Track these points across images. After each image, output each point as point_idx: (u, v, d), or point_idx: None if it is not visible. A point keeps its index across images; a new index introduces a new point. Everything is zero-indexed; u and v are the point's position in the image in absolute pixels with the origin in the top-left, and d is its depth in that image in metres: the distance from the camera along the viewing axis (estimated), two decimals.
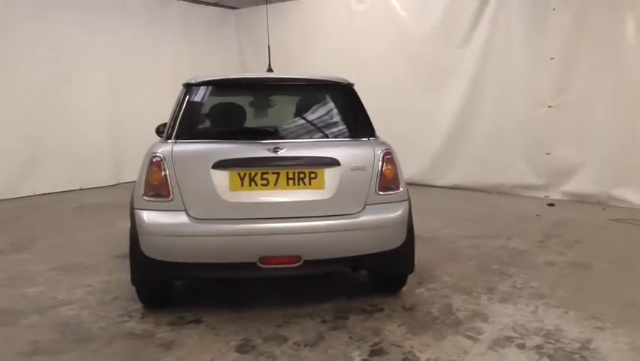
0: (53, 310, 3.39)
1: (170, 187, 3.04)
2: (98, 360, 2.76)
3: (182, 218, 3.02)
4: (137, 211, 3.12)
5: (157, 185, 3.07)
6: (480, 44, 7.27)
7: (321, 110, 3.50)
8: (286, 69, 7.52)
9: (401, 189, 3.29)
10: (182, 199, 3.03)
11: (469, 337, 2.95)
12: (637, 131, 6.17)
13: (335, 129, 3.40)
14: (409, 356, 2.73)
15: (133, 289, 3.46)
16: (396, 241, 3.23)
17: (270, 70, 3.60)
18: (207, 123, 3.31)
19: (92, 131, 8.22)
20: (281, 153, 3.08)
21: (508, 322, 3.12)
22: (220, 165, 3.03)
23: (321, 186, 3.11)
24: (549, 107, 6.79)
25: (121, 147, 8.53)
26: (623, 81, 6.19)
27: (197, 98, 3.35)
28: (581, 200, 6.57)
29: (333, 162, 3.12)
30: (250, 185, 3.06)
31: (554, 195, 6.82)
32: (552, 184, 6.86)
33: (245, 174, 3.05)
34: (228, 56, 10.09)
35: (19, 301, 3.53)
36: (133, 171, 8.25)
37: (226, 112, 3.46)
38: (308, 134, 3.32)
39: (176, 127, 3.26)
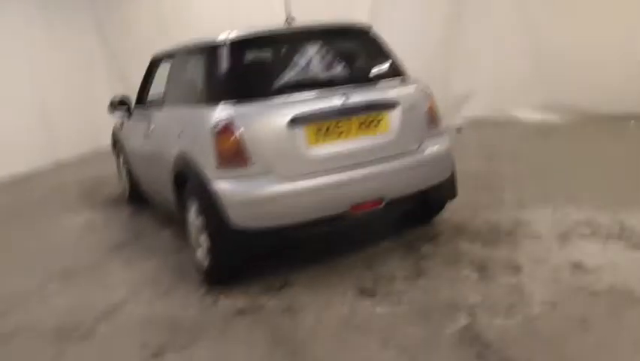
0: (118, 312, 2.99)
1: (248, 152, 2.86)
2: (236, 343, 2.58)
3: (269, 181, 2.88)
4: (214, 184, 2.88)
5: (233, 152, 2.86)
6: None
7: (358, 54, 3.50)
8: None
9: (441, 122, 3.52)
10: (263, 162, 2.88)
11: (535, 238, 3.37)
12: (522, 56, 7.15)
13: (377, 71, 3.43)
14: (511, 265, 3.05)
15: (175, 273, 3.40)
16: (450, 169, 3.48)
17: (290, 19, 3.43)
18: (257, 80, 3.10)
19: None
20: (350, 100, 3.07)
21: (548, 222, 3.60)
22: (296, 121, 2.92)
23: (386, 129, 3.18)
24: (441, 42, 7.49)
25: None
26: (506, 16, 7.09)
27: (239, 55, 3.11)
28: (478, 123, 7.46)
29: (394, 104, 3.21)
30: (326, 137, 3.01)
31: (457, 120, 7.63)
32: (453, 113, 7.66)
33: (320, 127, 3.00)
34: (86, 28, 9.09)
35: (62, 316, 3.04)
36: (4, 165, 7.38)
37: (272, 67, 3.26)
38: (359, 79, 3.31)
39: (224, 88, 3.02)
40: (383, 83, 3.37)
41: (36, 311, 3.15)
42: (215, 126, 2.87)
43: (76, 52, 8.86)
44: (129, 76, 9.14)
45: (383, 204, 3.11)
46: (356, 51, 3.52)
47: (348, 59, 3.42)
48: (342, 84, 3.19)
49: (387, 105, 3.19)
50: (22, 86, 7.83)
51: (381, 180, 3.11)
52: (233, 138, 2.84)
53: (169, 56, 4.00)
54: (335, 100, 3.04)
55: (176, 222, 4.28)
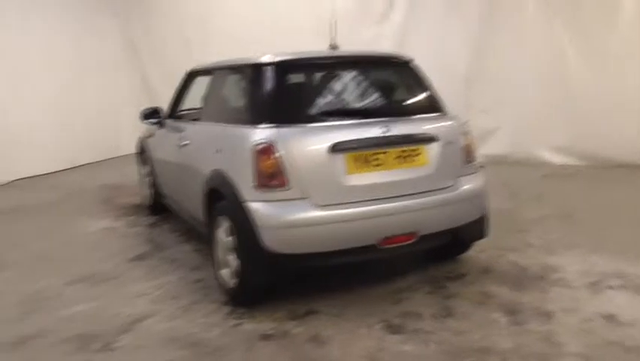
0: (138, 326, 2.95)
1: (287, 175, 2.84)
2: None
3: (304, 206, 2.86)
4: (250, 205, 2.86)
5: (271, 174, 2.84)
6: (399, 21, 7.70)
7: (400, 87, 3.51)
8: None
9: (477, 159, 3.50)
10: (300, 187, 2.86)
11: (565, 286, 3.31)
12: (545, 96, 7.14)
13: (416, 105, 3.44)
14: (541, 312, 2.99)
15: (197, 290, 3.37)
16: (484, 207, 3.44)
17: (333, 47, 3.46)
18: (299, 104, 3.11)
19: None
20: (391, 131, 3.05)
21: (577, 270, 3.54)
22: (336, 148, 2.91)
23: (424, 162, 3.16)
24: (466, 78, 7.50)
25: (9, 140, 7.34)
26: (532, 49, 7.10)
27: (283, 78, 3.12)
28: (499, 161, 7.42)
29: (433, 138, 3.19)
30: (365, 166, 2.99)
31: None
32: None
33: (359, 156, 2.98)
34: (113, 36, 9.23)
35: (83, 325, 3.00)
36: (26, 166, 7.43)
37: (314, 92, 3.27)
38: (400, 111, 3.31)
39: (266, 110, 3.01)
40: (422, 116, 3.36)
41: (57, 316, 3.11)
42: (256, 146, 2.86)
43: (101, 58, 8.98)
44: (152, 84, 9.29)
45: (415, 239, 3.08)
46: (397, 82, 3.53)
47: (388, 89, 3.43)
48: (383, 115, 3.19)
49: (426, 139, 3.18)
50: (47, 89, 7.91)
51: (416, 214, 3.07)
52: (272, 159, 2.83)
53: (208, 71, 4.02)
54: (375, 130, 3.03)
55: (196, 236, 4.28)
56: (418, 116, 3.35)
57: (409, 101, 3.47)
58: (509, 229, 4.44)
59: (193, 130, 3.90)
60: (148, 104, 4.72)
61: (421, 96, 3.47)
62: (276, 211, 2.83)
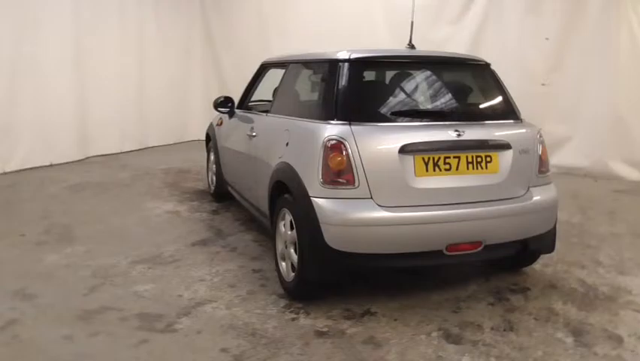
0: (199, 310, 3.02)
1: (355, 173, 2.82)
2: None
3: (370, 206, 2.83)
4: (314, 200, 2.86)
5: (340, 171, 2.83)
6: (476, 22, 7.47)
7: (476, 90, 3.41)
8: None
9: (550, 170, 3.35)
10: (369, 186, 2.83)
11: (638, 311, 3.13)
12: (623, 108, 6.77)
13: (491, 110, 3.34)
14: (610, 336, 2.84)
15: (255, 280, 3.41)
16: (554, 219, 3.30)
17: (411, 46, 3.41)
18: (372, 102, 3.08)
19: (57, 102, 7.25)
20: (464, 136, 2.97)
21: None
22: (407, 149, 2.87)
23: (495, 170, 3.06)
24: (542, 84, 7.21)
25: (87, 118, 7.71)
26: (614, 63, 6.74)
27: (358, 75, 3.10)
28: (567, 172, 7.12)
29: (506, 146, 3.09)
30: (434, 170, 2.93)
31: None
32: None
33: (429, 159, 2.92)
34: (192, 24, 9.49)
35: (147, 303, 3.10)
36: (100, 145, 7.77)
37: (388, 90, 3.23)
38: (474, 116, 3.23)
39: (339, 106, 3.00)
40: (497, 122, 3.25)
41: (121, 294, 3.23)
42: (327, 142, 2.85)
43: (178, 45, 9.25)
44: (224, 73, 9.48)
45: (481, 248, 2.99)
46: (472, 86, 3.43)
47: (463, 92, 3.34)
48: (456, 118, 3.11)
49: (500, 146, 3.08)
50: (123, 71, 8.22)
51: (484, 222, 2.98)
52: (342, 156, 2.82)
53: (281, 64, 4.05)
54: (448, 133, 2.96)
55: (258, 227, 4.34)
56: (493, 121, 3.24)
57: (484, 106, 3.37)
58: (578, 245, 4.25)
59: (263, 122, 3.95)
60: (218, 93, 4.81)
61: (497, 101, 3.36)
62: (340, 209, 2.82)
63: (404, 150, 2.86)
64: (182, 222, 4.72)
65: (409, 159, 2.88)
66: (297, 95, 3.74)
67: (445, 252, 2.92)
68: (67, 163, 7.29)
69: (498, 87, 3.38)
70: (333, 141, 2.85)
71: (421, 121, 3.04)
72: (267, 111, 3.96)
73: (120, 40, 8.12)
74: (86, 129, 7.72)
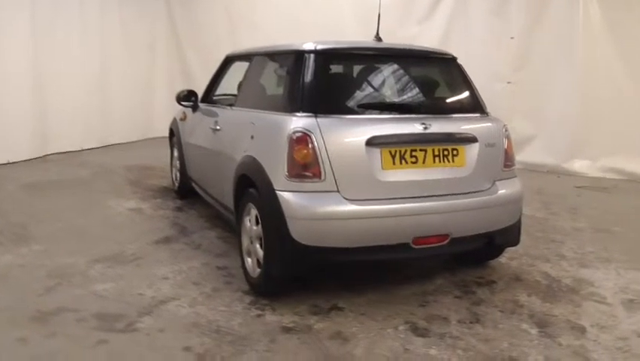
0: (162, 309, 2.92)
1: (322, 166, 2.77)
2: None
3: (337, 200, 2.78)
4: (280, 194, 2.81)
5: (306, 164, 2.78)
6: (443, 20, 7.53)
7: (443, 84, 3.41)
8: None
9: (515, 164, 3.38)
10: (335, 179, 2.79)
11: (599, 302, 3.17)
12: (586, 107, 6.91)
13: (458, 103, 3.34)
14: (573, 327, 2.87)
15: (220, 277, 3.32)
16: (519, 213, 3.33)
17: (378, 38, 3.38)
18: (338, 95, 3.04)
19: (13, 98, 6.98)
20: (430, 129, 2.96)
21: (612, 286, 3.40)
22: (374, 141, 2.84)
23: (462, 163, 3.06)
24: (508, 82, 7.31)
25: (46, 115, 7.45)
26: (579, 61, 6.87)
27: (324, 67, 3.05)
28: (532, 169, 7.23)
29: (473, 139, 3.09)
30: (401, 163, 2.91)
31: None
32: None
33: (396, 152, 2.90)
34: (156, 18, 9.30)
35: (106, 303, 2.99)
36: (60, 142, 7.53)
37: (355, 83, 3.20)
38: (441, 109, 3.23)
39: (304, 98, 2.95)
40: (463, 116, 3.26)
41: (80, 293, 3.11)
42: (292, 135, 2.80)
43: (141, 40, 9.04)
44: (190, 68, 9.30)
45: (448, 241, 2.99)
46: (439, 79, 3.43)
47: (430, 86, 3.34)
48: (423, 111, 3.10)
49: (467, 139, 3.08)
50: (85, 67, 7.98)
51: (451, 215, 2.98)
52: (308, 149, 2.77)
53: (246, 57, 3.98)
54: (415, 126, 2.95)
55: (223, 223, 4.25)
56: (459, 115, 3.25)
57: (451, 99, 3.37)
58: (542, 239, 4.30)
59: (228, 115, 3.87)
60: (183, 87, 4.71)
61: (463, 95, 3.36)
62: (307, 202, 2.77)
63: (371, 142, 2.83)
64: (144, 220, 4.59)
65: (376, 151, 2.85)
66: (262, 88, 3.67)
67: (411, 245, 2.90)
68: (25, 161, 7.03)
69: (464, 81, 3.39)
70: (299, 134, 2.80)
71: (388, 114, 3.03)
72: (231, 105, 3.89)
73: (81, 35, 7.88)
74: (44, 126, 7.46)
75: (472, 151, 3.09)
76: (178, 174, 5.17)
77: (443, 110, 3.20)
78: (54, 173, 6.42)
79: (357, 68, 3.37)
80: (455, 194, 3.02)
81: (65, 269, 3.45)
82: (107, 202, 5.07)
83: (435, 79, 3.42)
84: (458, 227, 3.02)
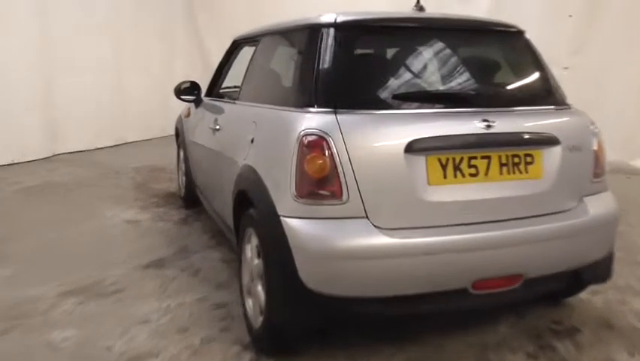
0: None
1: (344, 182, 1.98)
2: None
3: (365, 229, 1.98)
4: (285, 221, 2.02)
5: (322, 179, 1.98)
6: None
7: (507, 67, 2.55)
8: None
9: (606, 173, 2.51)
10: (362, 200, 1.99)
11: None
12: None
13: (530, 94, 2.49)
14: None
15: (215, 320, 2.60)
16: (613, 240, 2.46)
17: (419, 8, 2.56)
18: (367, 84, 2.22)
19: (20, 94, 6.40)
20: (495, 127, 2.13)
21: None
22: (416, 146, 2.02)
23: (538, 174, 2.22)
24: (564, 68, 6.33)
25: (56, 112, 6.87)
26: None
27: (347, 45, 2.23)
28: None
29: (553, 140, 2.24)
30: (455, 176, 2.09)
31: None
32: None
33: (448, 160, 2.07)
34: (172, 5, 8.63)
35: (69, 351, 2.28)
36: (70, 141, 6.94)
37: (389, 67, 2.36)
38: (507, 100, 2.38)
39: (321, 89, 2.15)
40: (537, 108, 2.40)
41: (31, 344, 2.40)
42: (302, 138, 2.01)
43: (160, 33, 8.40)
44: (212, 61, 8.55)
45: (520, 282, 2.15)
46: (502, 61, 2.56)
47: (490, 69, 2.48)
48: (482, 104, 2.25)
49: (545, 141, 2.23)
50: (100, 61, 7.39)
51: (525, 248, 2.14)
52: (324, 157, 1.97)
53: (254, 39, 3.19)
54: (473, 124, 2.11)
55: (228, 243, 3.49)
56: (531, 108, 2.39)
57: (518, 87, 2.51)
58: (625, 261, 3.39)
59: (229, 112, 3.11)
60: (205, 81, 3.98)
61: (535, 81, 2.50)
62: (323, 233, 1.97)
63: (413, 148, 2.01)
64: (140, 234, 3.88)
65: (420, 160, 2.04)
66: (269, 77, 2.88)
67: (470, 290, 2.08)
68: (30, 162, 6.49)
69: (536, 62, 2.53)
70: (312, 137, 2.00)
71: (434, 108, 2.19)
72: (235, 99, 3.12)
73: (92, 23, 7.25)
74: (54, 124, 6.90)
75: (551, 157, 2.24)
76: (184, 179, 4.46)
77: (510, 102, 2.35)
78: (57, 175, 5.83)
79: (391, 47, 2.50)
80: (530, 217, 2.19)
81: (27, 305, 2.75)
82: (104, 211, 4.39)
83: (496, 60, 2.56)
84: (535, 264, 2.17)
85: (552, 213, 2.23)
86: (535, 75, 2.50)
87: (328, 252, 1.95)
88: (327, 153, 1.97)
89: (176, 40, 8.79)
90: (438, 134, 2.05)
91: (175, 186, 5.07)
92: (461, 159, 2.09)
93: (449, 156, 2.07)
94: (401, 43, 2.39)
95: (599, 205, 2.35)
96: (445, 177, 2.07)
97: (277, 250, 2.03)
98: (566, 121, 2.39)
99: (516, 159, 2.18)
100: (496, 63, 2.53)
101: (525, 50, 2.55)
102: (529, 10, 6.37)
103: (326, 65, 2.17)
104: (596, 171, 2.39)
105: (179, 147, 4.67)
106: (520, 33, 2.59)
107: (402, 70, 2.25)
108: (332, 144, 1.98)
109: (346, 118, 2.03)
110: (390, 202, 2.01)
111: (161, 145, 7.77)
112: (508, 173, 2.17)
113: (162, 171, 5.92)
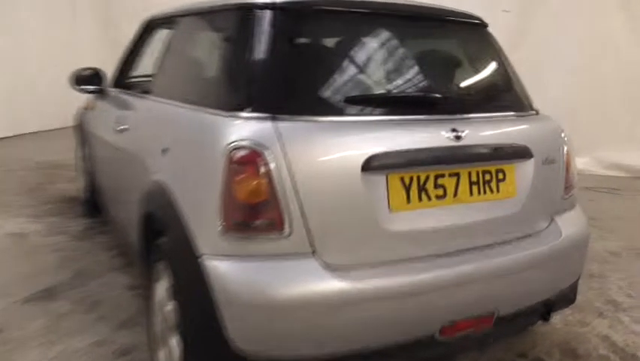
0: None
1: (285, 209, 1.53)
2: None
3: (314, 270, 1.54)
4: (207, 263, 1.54)
5: (255, 205, 1.52)
6: None
7: (470, 65, 2.17)
8: None
9: (575, 187, 2.23)
10: (309, 232, 1.55)
11: None
12: (590, 91, 5.91)
13: (496, 97, 2.13)
14: None
15: None
16: (584, 261, 2.19)
17: None
18: (312, 82, 1.75)
19: None
20: (465, 138, 1.76)
21: None
22: (376, 163, 1.61)
23: (511, 193, 1.88)
24: None
25: None
26: (578, 41, 5.86)
27: (289, 32, 1.75)
28: None
29: (526, 153, 1.91)
30: (420, 198, 1.70)
31: None
32: None
33: (412, 180, 1.68)
34: None
35: None
36: None
37: (339, 62, 1.87)
38: (473, 105, 2.00)
39: (255, 87, 1.68)
40: (504, 115, 2.06)
41: None
42: (231, 152, 1.53)
43: (63, 6, 7.50)
44: (120, 38, 7.73)
45: (492, 322, 1.82)
46: (466, 60, 2.18)
47: (455, 69, 2.10)
48: (447, 111, 1.87)
49: (519, 154, 1.90)
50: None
51: (498, 282, 1.80)
52: (260, 178, 1.51)
53: (171, 20, 2.63)
54: (440, 135, 1.73)
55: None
56: (500, 114, 2.05)
57: (485, 90, 2.14)
58: (586, 274, 3.20)
59: (138, 108, 2.55)
60: (114, 61, 3.34)
61: (502, 83, 2.16)
62: (258, 277, 1.51)
63: (371, 165, 1.60)
64: (25, 253, 3.21)
65: (380, 181, 1.63)
66: (188, 68, 2.33)
67: (437, 337, 1.71)
68: None
69: (501, 62, 2.19)
70: (244, 151, 1.53)
71: (395, 114, 1.78)
72: (147, 92, 2.56)
73: None
74: None
75: (524, 172, 1.91)
76: (86, 182, 3.81)
77: (476, 108, 1.98)
78: None
79: (346, 37, 1.96)
80: (501, 243, 1.85)
81: None
82: None
83: (460, 57, 2.19)
84: (508, 298, 1.84)
85: (523, 237, 1.92)
86: (501, 76, 2.16)
87: (265, 303, 1.49)
88: (263, 172, 1.51)
89: (83, 23, 7.90)
90: (401, 148, 1.65)
91: (76, 188, 4.38)
92: (427, 178, 1.70)
93: (413, 174, 1.68)
94: (358, 32, 1.92)
95: (570, 224, 2.06)
96: (408, 200, 1.67)
97: (196, 299, 1.55)
98: (537, 129, 2.07)
99: (487, 176, 1.83)
100: (459, 61, 2.16)
101: (489, 46, 2.20)
102: (467, 5, 6.18)
103: (262, 57, 1.69)
104: (566, 185, 2.09)
105: (80, 145, 4.00)
106: (484, 26, 2.24)
107: (357, 65, 1.81)
108: (270, 160, 1.52)
109: (288, 126, 1.57)
110: (343, 234, 1.59)
111: (65, 137, 6.89)
112: (479, 193, 1.81)
113: (62, 168, 5.18)
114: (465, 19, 2.17)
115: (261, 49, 1.70)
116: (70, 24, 7.71)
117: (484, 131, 1.87)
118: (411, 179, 1.68)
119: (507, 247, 1.85)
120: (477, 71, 2.16)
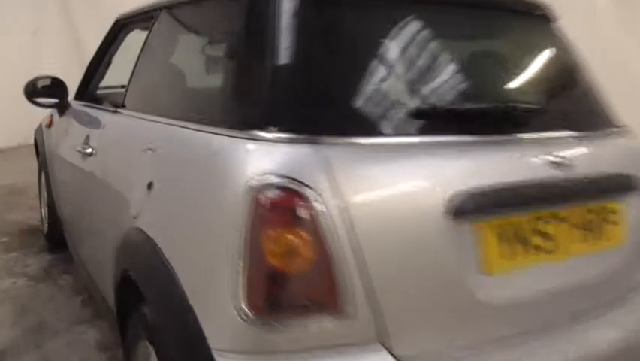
0: None
1: (343, 280, 1.01)
2: None
3: None
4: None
5: (299, 276, 1.01)
6: None
7: (538, 69, 1.67)
8: None
9: None
10: (377, 311, 1.04)
11: None
12: None
13: (575, 110, 1.64)
14: None
15: None
16: None
17: None
18: (376, 91, 1.21)
19: None
20: (571, 167, 1.28)
21: None
22: (462, 205, 1.11)
23: (619, 238, 1.41)
24: None
25: None
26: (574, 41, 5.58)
27: (326, 22, 1.25)
28: None
29: (632, 185, 1.44)
30: (520, 251, 1.21)
31: None
32: None
33: (510, 226, 1.19)
34: None
35: None
36: None
37: (409, 63, 1.31)
38: (562, 120, 1.51)
39: (295, 96, 1.15)
40: (587, 134, 1.59)
41: None
42: (255, 192, 1.01)
43: (26, 26, 6.95)
44: (88, 51, 7.16)
45: None
46: (530, 59, 1.70)
47: (539, 73, 1.61)
48: (537, 128, 1.39)
49: (627, 185, 1.43)
50: None
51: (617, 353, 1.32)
52: (303, 230, 1.00)
53: (148, 17, 2.07)
54: (536, 163, 1.25)
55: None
56: (581, 133, 1.56)
57: (571, 100, 1.67)
58: None
59: (109, 125, 2.00)
60: (79, 73, 2.77)
61: (586, 89, 1.69)
62: None
63: (458, 207, 1.10)
64: None
65: (468, 230, 1.13)
66: (176, 73, 1.79)
67: None
68: None
69: (574, 63, 1.73)
70: (277, 191, 1.01)
71: (475, 134, 1.28)
72: (118, 106, 2.01)
73: None
74: None
75: (633, 210, 1.44)
76: (47, 211, 3.24)
77: (567, 124, 1.50)
78: None
79: (389, 36, 1.43)
80: (604, 304, 1.38)
81: None
82: None
83: (528, 58, 1.70)
84: None
85: (629, 294, 1.45)
86: (585, 83, 1.69)
87: None
88: (307, 222, 1.00)
89: (46, 29, 7.32)
90: (494, 182, 1.16)
91: (36, 216, 3.77)
92: (527, 224, 1.22)
93: (512, 219, 1.19)
94: (420, 23, 1.39)
95: None
96: (506, 256, 1.18)
97: None
98: (632, 151, 1.61)
99: (592, 217, 1.36)
100: (541, 64, 1.67)
101: (561, 44, 1.74)
102: None
103: (295, 54, 1.18)
104: None
105: (40, 168, 3.42)
106: (551, 20, 1.77)
107: (419, 67, 1.30)
108: (317, 205, 1.01)
109: (339, 153, 1.07)
110: (427, 311, 1.09)
111: (26, 157, 6.24)
112: (585, 241, 1.33)
113: (23, 194, 4.56)
114: (527, 9, 1.68)
115: (292, 42, 1.19)
116: (33, 44, 7.17)
117: (584, 155, 1.40)
118: (509, 225, 1.19)
119: (609, 308, 1.38)
120: (561, 77, 1.68)
